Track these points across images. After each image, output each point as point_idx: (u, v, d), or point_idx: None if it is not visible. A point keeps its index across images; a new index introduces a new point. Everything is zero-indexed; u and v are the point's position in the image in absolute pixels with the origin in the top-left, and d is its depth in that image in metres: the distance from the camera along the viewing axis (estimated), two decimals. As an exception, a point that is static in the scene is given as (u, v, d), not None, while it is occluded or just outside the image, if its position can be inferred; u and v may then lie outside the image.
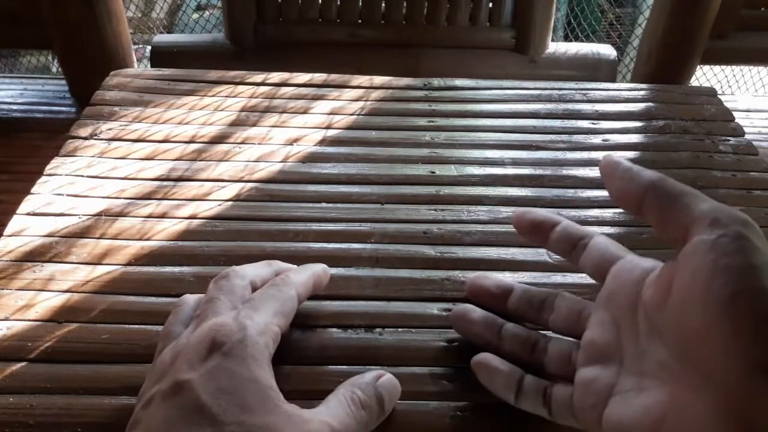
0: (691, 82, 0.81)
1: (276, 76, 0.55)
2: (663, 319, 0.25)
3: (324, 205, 0.42)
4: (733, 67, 1.19)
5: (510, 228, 0.41)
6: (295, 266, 0.34)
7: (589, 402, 0.27)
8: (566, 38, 1.41)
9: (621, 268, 0.29)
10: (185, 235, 0.39)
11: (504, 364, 0.30)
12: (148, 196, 0.42)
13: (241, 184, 0.44)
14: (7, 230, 0.39)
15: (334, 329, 0.34)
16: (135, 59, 0.80)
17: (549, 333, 0.32)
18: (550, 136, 0.50)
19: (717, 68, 1.20)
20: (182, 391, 0.25)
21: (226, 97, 0.52)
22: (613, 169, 0.28)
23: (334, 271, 0.37)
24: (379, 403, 0.29)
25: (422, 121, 0.51)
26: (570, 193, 0.44)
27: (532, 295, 0.33)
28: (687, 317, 0.23)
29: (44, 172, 0.44)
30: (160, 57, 0.83)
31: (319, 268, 0.34)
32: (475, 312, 0.33)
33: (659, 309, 0.25)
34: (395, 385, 0.30)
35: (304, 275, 0.33)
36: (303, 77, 0.55)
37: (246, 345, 0.26)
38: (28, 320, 0.34)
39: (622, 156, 0.47)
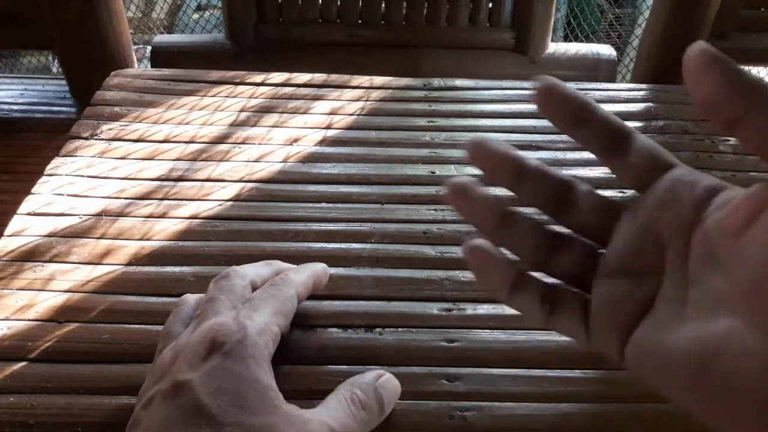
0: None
1: (276, 77, 0.55)
2: (739, 250, 0.20)
3: (324, 205, 0.42)
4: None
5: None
6: (295, 266, 0.34)
7: (613, 320, 0.23)
8: (566, 38, 1.41)
9: (678, 179, 0.23)
10: (185, 235, 0.39)
11: (501, 255, 0.25)
12: (148, 196, 0.42)
13: (241, 184, 0.44)
14: (8, 230, 0.39)
15: (334, 329, 0.34)
16: (135, 59, 0.80)
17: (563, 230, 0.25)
18: (550, 136, 0.50)
19: (717, 68, 1.20)
20: (182, 391, 0.25)
21: (226, 97, 0.52)
22: (709, 66, 0.20)
23: (334, 271, 0.37)
24: (379, 404, 0.29)
25: (422, 122, 0.51)
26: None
27: (549, 176, 0.26)
28: None
29: (44, 172, 0.44)
30: (161, 57, 0.83)
31: (318, 268, 0.34)
32: (476, 190, 0.26)
33: (733, 237, 0.21)
34: (395, 385, 0.30)
35: (304, 275, 0.33)
36: (303, 77, 0.55)
37: (246, 345, 0.26)
38: (29, 320, 0.34)
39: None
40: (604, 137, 0.25)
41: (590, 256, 0.25)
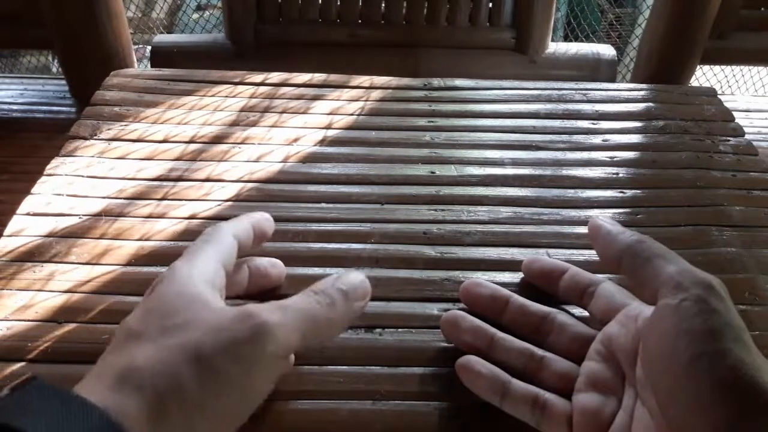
0: (690, 82, 0.81)
1: (276, 76, 0.55)
2: (649, 371, 0.26)
3: (324, 205, 0.42)
4: (733, 67, 1.19)
5: (510, 228, 0.41)
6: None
7: (590, 430, 0.27)
8: (566, 38, 1.41)
9: (625, 315, 0.30)
10: (185, 235, 0.39)
11: (487, 368, 0.30)
12: (147, 196, 0.42)
13: (241, 184, 0.44)
14: (7, 230, 0.39)
15: (334, 329, 0.34)
16: (135, 59, 0.80)
17: (544, 351, 0.31)
18: (550, 136, 0.50)
19: (717, 68, 1.20)
20: (119, 331, 0.26)
21: (226, 97, 0.52)
22: (595, 233, 0.31)
23: (334, 271, 0.37)
24: (342, 295, 0.28)
25: (422, 122, 0.51)
26: (570, 193, 0.44)
27: (529, 311, 0.33)
28: (658, 378, 0.25)
29: (44, 172, 0.44)
30: (160, 57, 0.82)
31: (257, 215, 0.34)
32: (466, 320, 0.32)
33: (646, 361, 0.26)
34: (360, 279, 0.30)
35: (240, 221, 0.33)
36: (303, 77, 0.55)
37: (174, 272, 0.27)
38: (28, 320, 0.34)
39: (622, 156, 0.47)
40: (572, 292, 0.34)
41: (569, 374, 0.30)
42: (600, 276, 0.33)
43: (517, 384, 0.30)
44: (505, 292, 0.34)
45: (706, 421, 0.22)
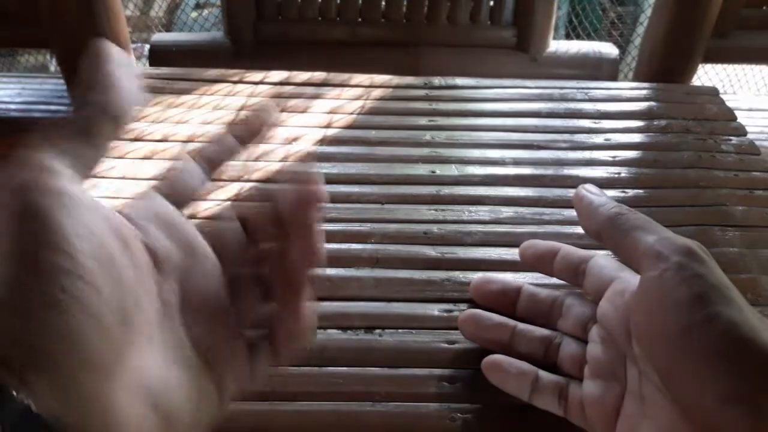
0: (693, 81, 0.81)
1: (275, 75, 0.55)
2: (645, 345, 0.25)
3: (324, 205, 0.42)
4: (735, 66, 1.19)
5: (511, 228, 0.41)
6: None
7: (599, 419, 0.27)
8: (567, 37, 1.41)
9: (613, 291, 0.29)
10: (184, 235, 0.39)
11: (515, 366, 0.30)
12: (146, 196, 0.42)
13: (241, 184, 0.43)
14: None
15: (334, 330, 0.34)
16: (133, 58, 0.79)
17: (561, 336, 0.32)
18: (552, 135, 0.49)
19: (719, 67, 1.19)
20: None
21: (225, 96, 0.52)
22: (578, 205, 0.30)
23: (333, 271, 0.37)
24: None
25: (423, 121, 0.50)
26: (571, 192, 0.44)
27: (539, 299, 0.32)
28: (654, 355, 0.24)
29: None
30: (159, 56, 0.82)
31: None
32: (485, 318, 0.32)
33: (641, 335, 0.26)
34: None
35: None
36: (302, 76, 0.55)
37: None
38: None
39: (624, 156, 0.47)
40: (567, 273, 0.33)
41: (582, 357, 0.30)
42: (591, 251, 0.32)
43: (544, 377, 0.29)
44: (515, 284, 0.33)
45: (712, 393, 0.21)
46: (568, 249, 0.33)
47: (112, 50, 0.23)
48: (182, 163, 0.26)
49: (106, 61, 0.23)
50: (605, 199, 0.29)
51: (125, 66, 0.23)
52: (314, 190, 0.25)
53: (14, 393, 0.17)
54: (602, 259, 0.31)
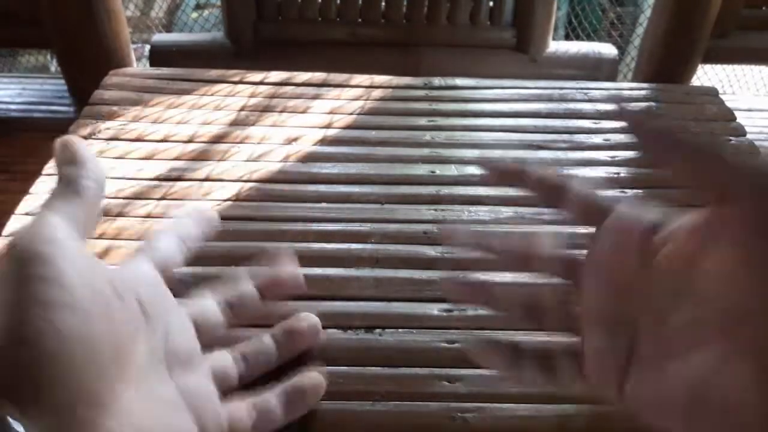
0: (692, 81, 0.81)
1: (275, 76, 0.55)
2: (701, 280, 0.22)
3: (324, 205, 0.42)
4: (735, 66, 1.19)
5: (511, 228, 0.41)
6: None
7: (605, 370, 0.24)
8: (567, 37, 1.41)
9: (620, 219, 0.25)
10: (184, 235, 0.39)
11: (496, 347, 0.27)
12: (147, 196, 0.42)
13: (241, 184, 0.43)
14: (6, 230, 0.39)
15: (334, 330, 0.34)
16: (134, 58, 0.79)
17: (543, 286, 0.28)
18: (551, 135, 0.49)
19: (718, 68, 1.19)
20: None
21: (226, 96, 0.52)
22: (640, 125, 0.25)
23: (333, 271, 0.37)
24: None
25: (422, 121, 0.50)
26: (571, 192, 0.44)
27: (547, 182, 0.29)
28: (740, 276, 0.20)
29: (43, 172, 0.44)
30: (159, 56, 0.82)
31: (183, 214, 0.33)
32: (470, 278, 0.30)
33: (691, 266, 0.22)
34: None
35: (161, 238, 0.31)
36: (303, 76, 0.55)
37: None
38: (26, 321, 0.34)
39: (623, 156, 0.47)
40: (545, 194, 0.29)
41: (570, 316, 0.26)
42: (566, 179, 0.29)
43: (524, 350, 0.26)
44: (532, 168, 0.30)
45: None
46: (540, 172, 0.29)
47: (76, 141, 0.27)
48: (162, 234, 0.30)
49: (71, 145, 0.27)
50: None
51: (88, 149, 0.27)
52: (288, 278, 0.32)
53: (10, 422, 0.18)
54: (583, 187, 0.28)
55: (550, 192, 0.28)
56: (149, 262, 0.28)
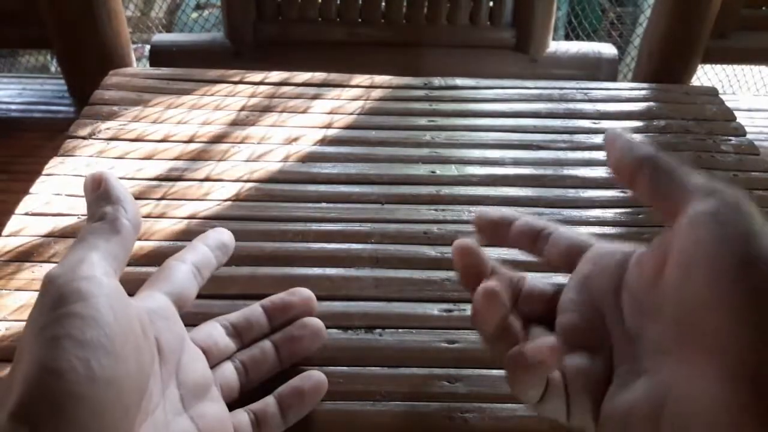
0: (692, 81, 0.81)
1: (275, 76, 0.55)
2: (657, 297, 0.24)
3: (324, 205, 0.42)
4: (735, 66, 1.19)
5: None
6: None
7: (584, 393, 0.25)
8: (567, 37, 1.41)
9: (599, 252, 0.27)
10: (184, 235, 0.39)
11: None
12: (147, 196, 0.42)
13: (241, 184, 0.43)
14: (6, 230, 0.39)
15: (334, 330, 0.34)
16: (134, 58, 0.79)
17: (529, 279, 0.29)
18: (551, 135, 0.49)
19: (718, 68, 1.19)
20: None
21: (226, 96, 0.52)
22: (613, 140, 0.28)
23: (333, 271, 0.37)
24: None
25: (423, 121, 0.50)
26: (571, 193, 0.44)
27: (531, 226, 0.30)
28: (690, 288, 0.22)
29: (43, 172, 0.44)
30: (159, 56, 0.82)
31: (211, 233, 0.33)
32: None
33: (651, 287, 0.24)
34: None
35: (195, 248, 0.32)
36: (303, 76, 0.55)
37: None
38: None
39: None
40: (524, 237, 0.30)
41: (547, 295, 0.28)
42: (550, 223, 0.30)
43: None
44: (512, 213, 0.31)
45: (758, 328, 0.20)
46: (529, 217, 0.31)
47: (110, 177, 0.27)
48: (178, 265, 0.30)
49: (107, 183, 0.27)
50: (641, 140, 0.28)
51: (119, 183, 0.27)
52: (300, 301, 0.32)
53: None
54: (569, 229, 0.30)
55: (532, 242, 0.30)
56: (165, 296, 0.28)
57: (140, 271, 0.37)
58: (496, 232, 0.31)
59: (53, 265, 0.37)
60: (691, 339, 0.22)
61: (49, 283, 0.23)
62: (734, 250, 0.21)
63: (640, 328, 0.24)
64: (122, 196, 0.27)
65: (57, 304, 0.22)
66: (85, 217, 0.40)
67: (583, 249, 0.28)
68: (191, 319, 0.30)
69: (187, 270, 0.30)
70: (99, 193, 0.27)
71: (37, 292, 0.35)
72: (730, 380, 0.20)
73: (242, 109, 0.51)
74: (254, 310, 0.32)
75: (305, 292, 0.33)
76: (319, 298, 0.34)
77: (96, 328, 0.21)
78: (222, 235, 0.33)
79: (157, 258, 0.38)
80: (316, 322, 0.32)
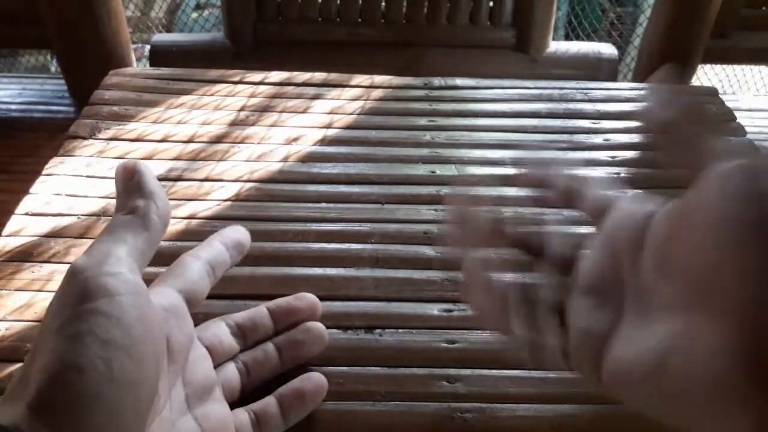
0: (692, 81, 0.81)
1: (275, 76, 0.55)
2: (674, 251, 0.23)
3: (324, 205, 0.42)
4: (735, 66, 1.19)
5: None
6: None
7: (587, 341, 0.25)
8: (567, 37, 1.41)
9: (625, 206, 0.27)
10: (184, 235, 0.39)
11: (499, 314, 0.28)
12: (147, 196, 0.42)
13: (241, 184, 0.43)
14: (6, 230, 0.39)
15: (334, 330, 0.34)
16: (134, 58, 0.79)
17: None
18: (551, 135, 0.49)
19: (718, 68, 1.19)
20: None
21: (226, 96, 0.52)
22: (657, 86, 0.27)
23: (333, 271, 0.37)
24: None
25: (422, 121, 0.50)
26: (571, 193, 0.44)
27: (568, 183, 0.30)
28: (704, 244, 0.22)
29: (43, 172, 0.44)
30: (159, 56, 0.82)
31: (227, 230, 0.33)
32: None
33: (670, 241, 0.23)
34: None
35: (211, 245, 0.32)
36: (303, 76, 0.55)
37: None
38: (27, 321, 0.34)
39: (623, 156, 0.47)
40: (563, 197, 0.30)
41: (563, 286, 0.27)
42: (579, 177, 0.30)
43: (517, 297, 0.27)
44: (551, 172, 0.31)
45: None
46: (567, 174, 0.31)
47: (143, 169, 0.27)
48: (193, 262, 0.30)
49: (140, 175, 0.26)
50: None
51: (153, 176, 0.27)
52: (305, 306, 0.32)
53: None
54: (596, 184, 0.29)
55: (568, 196, 0.30)
56: (178, 293, 0.28)
57: (140, 271, 0.37)
58: (540, 180, 0.31)
59: (53, 265, 0.37)
60: (703, 296, 0.21)
61: (74, 275, 0.22)
62: (753, 205, 0.20)
63: (655, 283, 0.24)
64: (155, 191, 0.26)
65: (82, 298, 0.21)
66: (85, 217, 0.41)
67: (611, 205, 0.27)
68: (191, 317, 0.30)
69: (201, 268, 0.29)
70: (132, 184, 0.26)
71: (37, 292, 0.35)
72: (736, 348, 0.19)
73: (242, 109, 0.51)
74: (260, 311, 0.32)
75: (311, 298, 0.33)
76: (320, 298, 0.34)
77: (119, 328, 0.21)
78: (238, 233, 0.32)
79: (156, 258, 0.37)
80: (319, 327, 0.32)
